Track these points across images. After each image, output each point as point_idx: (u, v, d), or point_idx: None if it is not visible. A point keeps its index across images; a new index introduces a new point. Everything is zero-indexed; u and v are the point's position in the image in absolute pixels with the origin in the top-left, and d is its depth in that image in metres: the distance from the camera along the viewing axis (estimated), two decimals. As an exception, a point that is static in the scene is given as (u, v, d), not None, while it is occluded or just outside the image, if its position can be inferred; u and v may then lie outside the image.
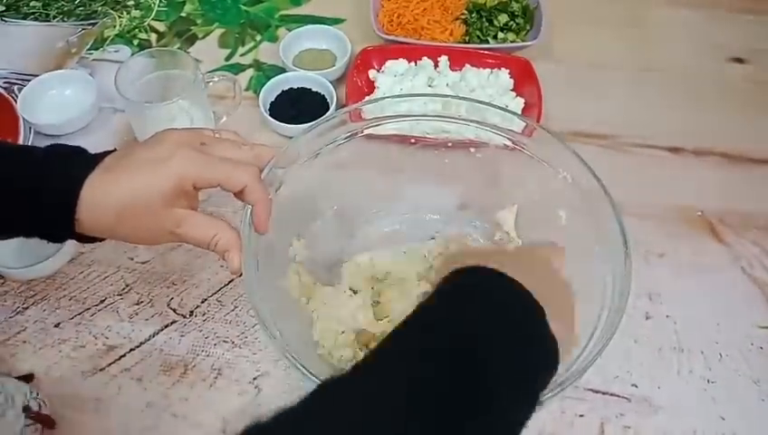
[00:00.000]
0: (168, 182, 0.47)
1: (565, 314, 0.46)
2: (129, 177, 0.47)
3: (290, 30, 0.93)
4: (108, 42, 0.94)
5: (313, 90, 0.85)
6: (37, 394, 0.59)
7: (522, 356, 0.40)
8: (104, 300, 0.69)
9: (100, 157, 0.49)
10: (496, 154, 0.65)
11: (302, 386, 0.62)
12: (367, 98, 0.83)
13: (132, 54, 0.90)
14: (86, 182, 0.47)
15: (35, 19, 0.97)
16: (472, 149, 0.67)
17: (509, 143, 0.63)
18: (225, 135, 0.55)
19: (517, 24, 0.92)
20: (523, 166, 0.63)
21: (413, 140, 0.68)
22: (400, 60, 0.86)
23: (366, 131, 0.64)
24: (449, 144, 0.67)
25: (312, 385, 0.48)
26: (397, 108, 0.64)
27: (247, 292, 0.52)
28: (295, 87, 0.85)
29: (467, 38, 0.92)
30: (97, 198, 0.47)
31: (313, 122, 0.62)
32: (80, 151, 0.50)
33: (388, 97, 0.65)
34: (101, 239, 0.51)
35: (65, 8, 0.98)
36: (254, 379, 0.64)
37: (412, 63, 0.86)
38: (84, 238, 0.50)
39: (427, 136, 0.68)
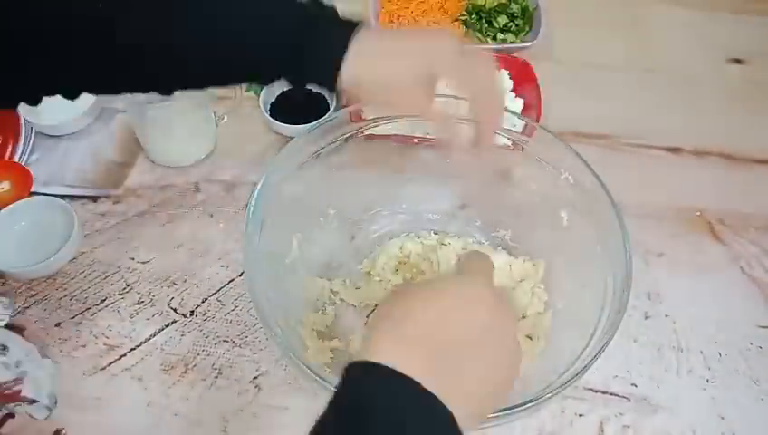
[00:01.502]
0: (422, 67, 0.51)
1: (497, 370, 0.40)
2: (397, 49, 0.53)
3: (290, 31, 0.93)
4: (108, 42, 0.94)
5: (314, 90, 0.85)
6: None
7: None
8: (105, 299, 0.69)
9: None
10: (497, 154, 0.65)
11: (302, 386, 0.63)
12: (367, 98, 0.83)
13: (133, 55, 0.90)
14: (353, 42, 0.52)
15: (36, 19, 0.97)
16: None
17: (510, 143, 0.63)
18: None
19: (516, 25, 0.93)
20: (524, 166, 0.64)
21: (415, 141, 0.68)
22: (400, 61, 0.86)
23: (366, 132, 0.64)
24: (451, 144, 0.68)
25: (311, 384, 0.48)
26: (397, 108, 0.64)
27: (249, 291, 0.53)
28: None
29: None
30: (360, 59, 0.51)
31: (314, 123, 0.62)
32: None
33: (388, 97, 0.65)
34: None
35: (66, 9, 0.98)
36: (255, 378, 0.64)
37: (412, 64, 0.87)
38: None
39: (428, 136, 0.68)
